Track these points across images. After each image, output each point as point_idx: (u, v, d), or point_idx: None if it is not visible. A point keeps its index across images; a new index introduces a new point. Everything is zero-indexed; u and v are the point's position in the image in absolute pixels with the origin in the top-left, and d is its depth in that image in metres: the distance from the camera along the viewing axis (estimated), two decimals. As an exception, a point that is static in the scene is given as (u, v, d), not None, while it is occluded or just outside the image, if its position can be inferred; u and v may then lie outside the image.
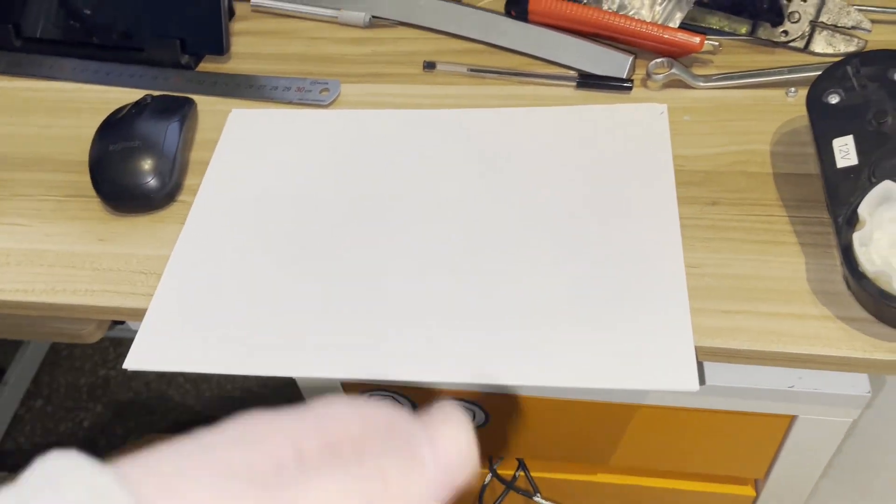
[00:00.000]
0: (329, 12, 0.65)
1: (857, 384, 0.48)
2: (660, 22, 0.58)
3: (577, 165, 0.52)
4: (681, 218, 0.49)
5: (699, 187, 0.51)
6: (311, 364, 0.44)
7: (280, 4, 0.66)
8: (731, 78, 0.56)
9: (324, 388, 0.59)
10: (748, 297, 0.45)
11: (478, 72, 0.59)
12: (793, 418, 0.52)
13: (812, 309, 0.44)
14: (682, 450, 0.58)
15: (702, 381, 0.43)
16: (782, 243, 0.47)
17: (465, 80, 0.59)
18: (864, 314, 0.43)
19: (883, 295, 0.40)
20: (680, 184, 0.51)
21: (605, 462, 0.62)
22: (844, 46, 0.57)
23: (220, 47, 0.62)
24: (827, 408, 0.49)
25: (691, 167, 0.52)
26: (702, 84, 0.56)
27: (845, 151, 0.44)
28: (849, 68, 0.46)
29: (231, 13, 0.66)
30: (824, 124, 0.45)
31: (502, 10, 0.62)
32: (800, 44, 0.57)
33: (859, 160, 0.43)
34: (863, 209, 0.41)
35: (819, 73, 0.48)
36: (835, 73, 0.47)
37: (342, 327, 0.45)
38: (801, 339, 0.43)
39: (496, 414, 0.59)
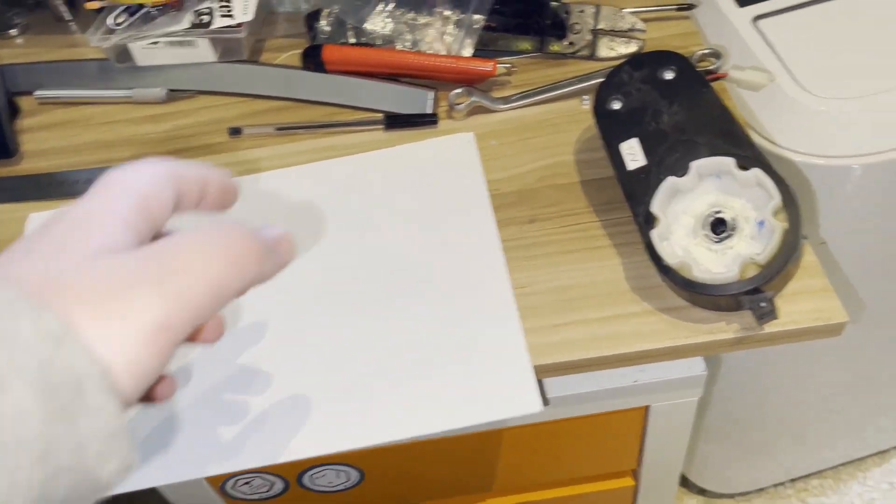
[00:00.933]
0: (122, 93, 0.62)
1: (693, 366, 0.50)
2: (453, 53, 0.59)
3: (398, 207, 0.52)
4: (502, 241, 0.50)
5: (515, 208, 0.52)
6: (177, 468, 0.42)
7: (67, 93, 0.62)
8: (529, 96, 0.58)
9: (187, 488, 0.56)
10: (576, 307, 0.46)
11: (286, 130, 0.59)
12: (646, 408, 0.54)
13: (635, 307, 0.46)
14: (558, 459, 0.59)
15: (546, 398, 0.44)
16: (598, 248, 0.49)
17: (274, 140, 0.58)
18: (681, 302, 0.45)
19: (688, 283, 0.42)
20: (497, 207, 0.52)
21: (490, 488, 0.62)
22: (625, 49, 0.60)
23: (5, 150, 0.58)
24: (672, 393, 0.51)
25: (505, 189, 0.53)
26: (502, 107, 0.58)
27: (633, 154, 0.46)
28: (624, 74, 0.49)
29: (14, 111, 0.62)
30: (611, 130, 0.48)
31: (300, 64, 0.61)
32: (586, 52, 0.60)
33: (647, 160, 0.45)
34: (655, 207, 0.43)
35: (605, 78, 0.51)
36: (613, 80, 0.49)
37: (193, 422, 0.43)
38: (629, 339, 0.45)
39: (372, 469, 0.58)
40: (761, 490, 1.15)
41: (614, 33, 0.60)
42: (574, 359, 0.44)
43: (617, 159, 0.47)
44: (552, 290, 0.47)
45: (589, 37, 0.60)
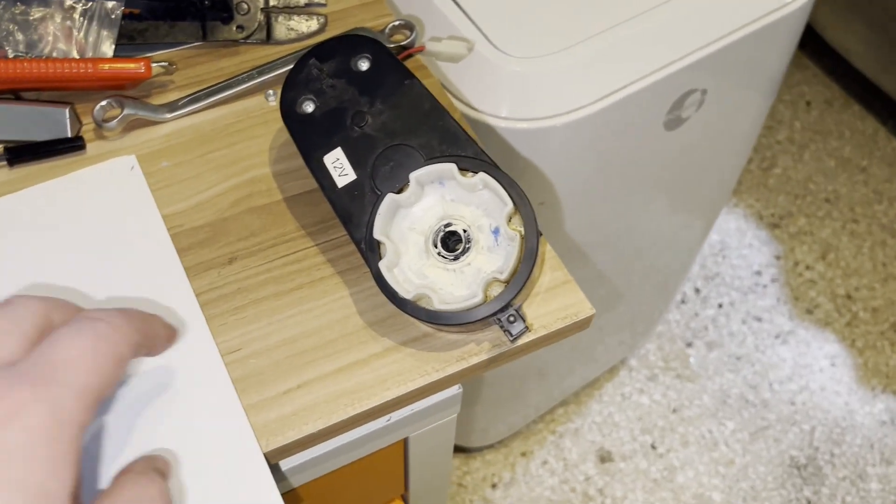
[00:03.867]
0: None
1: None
2: (88, 53, 0.46)
3: (65, 271, 0.39)
4: (198, 294, 0.40)
5: (208, 247, 0.42)
6: None
7: None
8: (200, 98, 0.47)
9: None
10: (305, 362, 0.38)
11: None
12: (405, 440, 0.48)
13: (374, 346, 0.39)
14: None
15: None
16: (321, 280, 0.41)
17: None
18: (424, 328, 0.39)
19: (432, 316, 0.36)
20: (184, 251, 0.41)
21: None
22: (307, 27, 0.51)
23: None
24: (429, 419, 0.46)
25: (191, 224, 0.42)
26: (168, 116, 0.46)
27: (341, 167, 0.38)
28: (311, 69, 0.40)
29: None
30: (309, 141, 0.39)
31: None
32: (261, 36, 0.50)
33: (357, 174, 0.38)
34: (378, 233, 0.36)
35: (291, 66, 0.41)
36: (298, 77, 0.40)
37: None
38: (374, 389, 0.37)
39: None
40: (517, 433, 1.18)
41: (290, 10, 0.51)
42: (314, 430, 0.36)
43: (322, 175, 0.38)
44: (273, 348, 0.38)
45: (261, 17, 0.50)
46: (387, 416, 0.44)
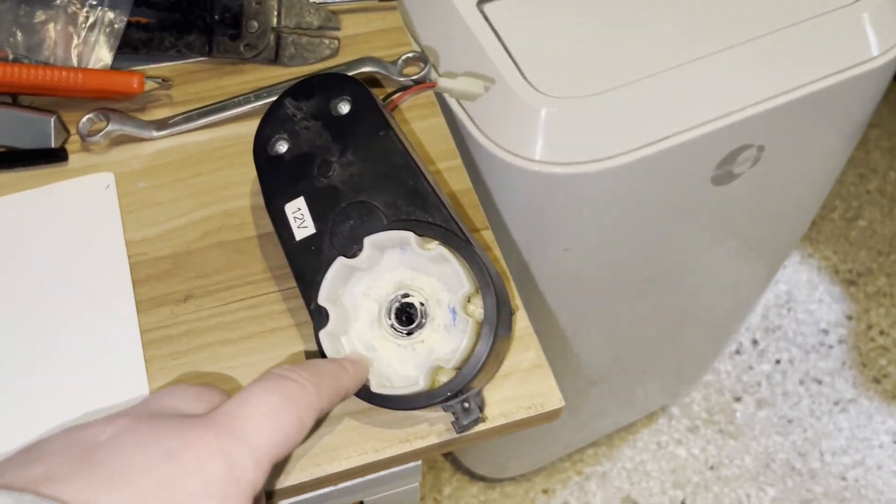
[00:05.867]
0: None
1: (405, 457, 0.41)
2: (88, 60, 0.45)
3: (14, 285, 0.38)
4: (145, 332, 0.38)
5: (166, 281, 0.39)
6: None
7: None
8: (193, 118, 0.45)
9: None
10: (241, 421, 0.35)
11: None
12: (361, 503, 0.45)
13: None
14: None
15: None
16: (271, 331, 0.38)
17: None
18: (375, 399, 0.36)
19: (368, 396, 0.32)
20: (141, 282, 0.39)
21: None
22: (317, 51, 0.48)
23: None
24: (385, 486, 0.43)
25: (154, 254, 0.40)
26: (156, 134, 0.44)
27: (301, 218, 0.35)
28: (289, 106, 0.37)
29: None
30: (274, 185, 0.36)
31: None
32: (269, 56, 0.48)
33: (317, 227, 0.35)
34: (323, 298, 0.33)
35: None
36: (277, 113, 0.37)
37: None
38: (302, 462, 0.34)
39: None
40: (540, 468, 1.14)
41: (302, 31, 0.48)
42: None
43: (282, 224, 0.35)
44: (210, 401, 0.36)
45: (271, 37, 0.48)
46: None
